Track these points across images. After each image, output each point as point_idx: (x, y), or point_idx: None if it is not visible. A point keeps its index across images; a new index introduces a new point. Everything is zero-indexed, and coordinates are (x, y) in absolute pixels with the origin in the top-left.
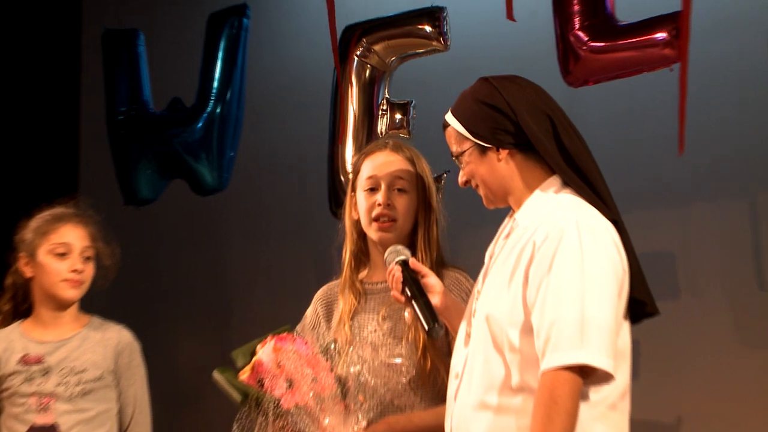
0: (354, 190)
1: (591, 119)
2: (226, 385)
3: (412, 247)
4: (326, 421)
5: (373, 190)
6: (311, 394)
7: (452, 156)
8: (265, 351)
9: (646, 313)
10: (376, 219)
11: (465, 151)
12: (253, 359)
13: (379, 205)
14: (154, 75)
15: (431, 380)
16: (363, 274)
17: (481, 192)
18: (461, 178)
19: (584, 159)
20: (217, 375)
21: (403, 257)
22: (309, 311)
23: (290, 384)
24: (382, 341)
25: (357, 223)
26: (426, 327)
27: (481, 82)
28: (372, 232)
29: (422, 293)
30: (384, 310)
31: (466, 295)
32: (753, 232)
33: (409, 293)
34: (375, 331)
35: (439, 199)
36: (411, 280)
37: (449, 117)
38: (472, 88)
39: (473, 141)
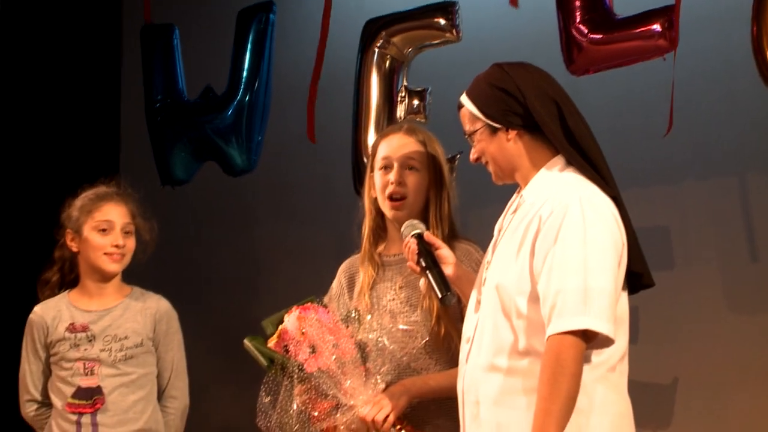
0: (372, 170)
1: (591, 105)
2: (254, 351)
3: (425, 222)
4: (347, 383)
5: (386, 169)
6: (333, 359)
7: (465, 135)
8: (290, 320)
9: (643, 284)
10: (390, 197)
11: (477, 131)
12: (279, 328)
13: (392, 183)
14: (188, 66)
15: (445, 345)
16: (381, 248)
17: (491, 168)
18: (473, 155)
19: (587, 140)
20: (247, 342)
21: (418, 231)
22: (334, 283)
23: (313, 350)
24: (400, 309)
25: (375, 201)
26: (439, 295)
27: (495, 67)
28: (386, 209)
29: (436, 264)
30: (401, 280)
31: (476, 266)
32: (742, 208)
33: (423, 264)
34: (393, 299)
35: (453, 178)
36: (425, 252)
37: (464, 98)
38: (486, 73)
39: (485, 121)
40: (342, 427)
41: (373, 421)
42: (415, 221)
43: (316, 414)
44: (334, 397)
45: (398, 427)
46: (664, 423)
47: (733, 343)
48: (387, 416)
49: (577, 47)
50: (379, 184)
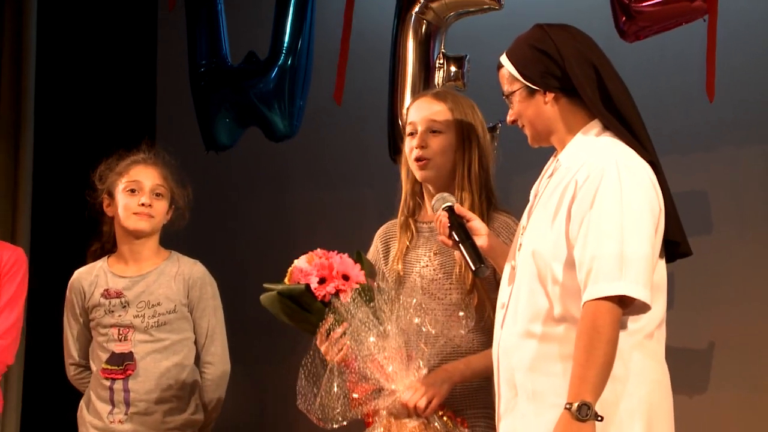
0: (405, 135)
1: (626, 68)
2: (271, 301)
3: (452, 184)
4: (389, 368)
5: (413, 134)
6: (351, 299)
7: (503, 95)
8: (299, 260)
9: (680, 253)
10: (416, 160)
11: (515, 92)
12: (289, 269)
13: (416, 147)
14: (232, 31)
15: (479, 314)
16: (419, 214)
17: (527, 131)
18: (509, 117)
19: (626, 105)
20: (263, 297)
21: (449, 203)
22: (371, 248)
23: (322, 280)
24: (433, 275)
25: (410, 167)
26: (473, 267)
27: (536, 28)
28: (415, 172)
29: (468, 236)
30: (435, 247)
31: (511, 235)
32: None
33: (456, 237)
34: (426, 266)
35: (494, 147)
36: (457, 224)
37: (503, 59)
38: (527, 34)
39: (523, 83)
40: (384, 412)
41: (415, 407)
42: (446, 194)
43: (356, 396)
44: (376, 381)
45: (440, 413)
46: (700, 388)
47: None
48: (429, 402)
49: (628, 14)
50: (407, 150)
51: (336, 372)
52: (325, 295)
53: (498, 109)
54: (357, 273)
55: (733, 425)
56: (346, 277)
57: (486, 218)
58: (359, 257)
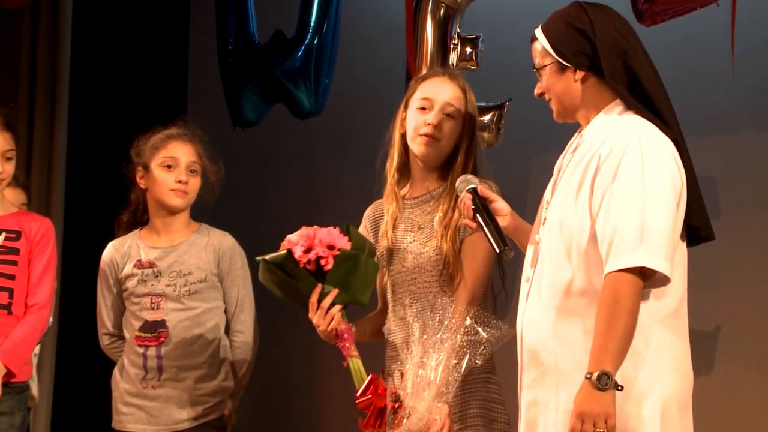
0: (406, 108)
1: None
2: (262, 273)
3: (450, 168)
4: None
5: (425, 110)
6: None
7: (534, 68)
8: (292, 234)
9: (701, 237)
10: (424, 134)
11: (546, 66)
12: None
13: (428, 124)
14: (259, 10)
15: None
16: (405, 190)
17: (553, 106)
18: (537, 90)
19: (654, 86)
20: (259, 274)
21: (473, 185)
22: (360, 227)
23: (308, 250)
24: (420, 249)
25: (403, 137)
26: (497, 250)
27: (575, 5)
28: (416, 146)
29: (492, 218)
30: (419, 221)
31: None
32: None
33: (480, 220)
34: (413, 241)
35: (501, 125)
36: (481, 206)
37: (538, 32)
38: (565, 10)
39: (555, 58)
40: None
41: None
42: (469, 176)
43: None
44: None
45: None
46: (705, 369)
47: None
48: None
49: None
50: (413, 123)
51: None
52: (308, 262)
53: (507, 88)
54: (344, 243)
55: (741, 405)
56: (331, 247)
57: None
58: (348, 230)
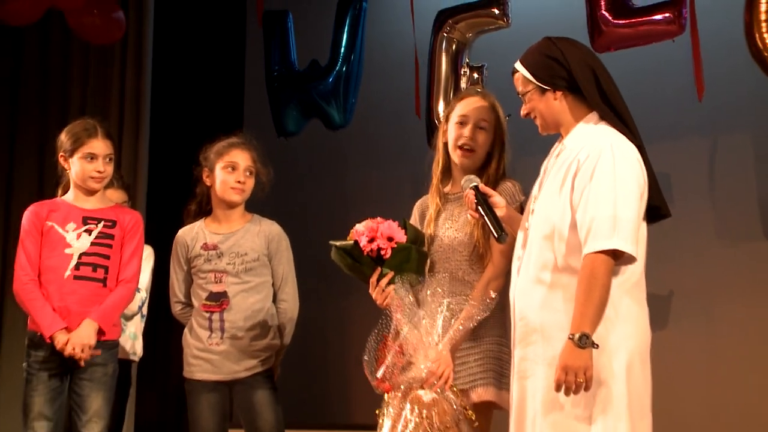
0: (447, 121)
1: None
2: (334, 253)
3: (485, 171)
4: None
5: (462, 124)
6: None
7: (519, 94)
8: (359, 224)
9: (661, 215)
10: (461, 147)
11: (529, 91)
12: (351, 231)
13: (465, 137)
14: (299, 43)
15: (483, 261)
16: (447, 187)
17: (538, 122)
18: (523, 111)
19: (617, 101)
20: (332, 252)
21: (475, 183)
22: (411, 218)
23: (372, 240)
24: (455, 235)
25: (445, 146)
26: (495, 235)
27: (546, 40)
28: (455, 157)
29: (491, 210)
30: (457, 213)
31: (509, 197)
32: (721, 159)
33: (481, 211)
34: (450, 228)
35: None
36: (482, 200)
37: (518, 65)
38: (538, 44)
39: (535, 83)
40: (402, 387)
41: (439, 378)
42: (472, 176)
43: (380, 375)
44: (408, 353)
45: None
46: (660, 326)
47: (721, 262)
48: (449, 375)
49: (599, 30)
50: (453, 135)
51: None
52: (370, 251)
53: (508, 106)
54: (400, 236)
55: (690, 355)
56: (390, 239)
57: (494, 186)
58: (404, 224)
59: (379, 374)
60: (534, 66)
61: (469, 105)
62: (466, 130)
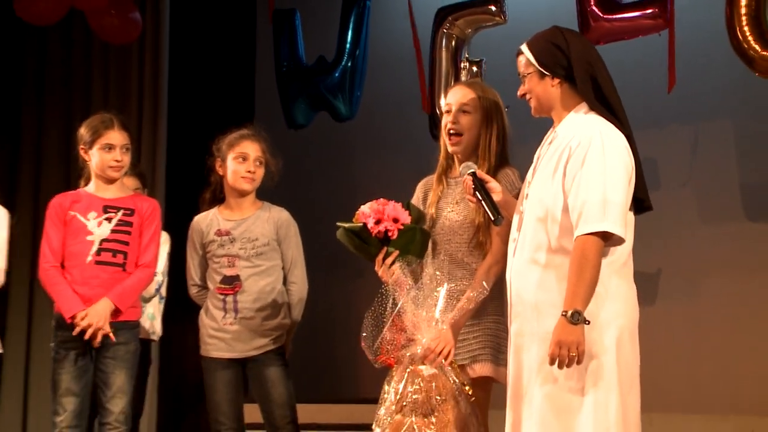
0: (442, 114)
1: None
2: (341, 234)
3: (475, 154)
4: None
5: (448, 112)
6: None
7: (519, 75)
8: (364, 206)
9: (644, 207)
10: (448, 133)
11: (529, 73)
12: (356, 212)
13: (449, 122)
14: (307, 40)
15: (482, 246)
16: (449, 172)
17: (532, 104)
18: (520, 91)
19: (611, 94)
20: (338, 232)
21: (472, 170)
22: (414, 196)
23: (378, 221)
24: (455, 218)
25: None
26: (492, 218)
27: (554, 28)
28: (448, 145)
29: (488, 195)
30: (458, 197)
31: (509, 183)
32: (704, 148)
33: (478, 196)
34: (451, 211)
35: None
36: (479, 186)
37: (524, 47)
38: (546, 31)
39: (537, 67)
40: (406, 360)
41: (438, 354)
42: (470, 163)
43: (389, 338)
44: (410, 331)
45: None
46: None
47: (704, 242)
48: (449, 352)
49: (588, 25)
50: (442, 124)
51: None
52: (378, 232)
53: (506, 98)
54: (405, 217)
55: (675, 330)
56: (396, 220)
57: (495, 173)
58: (409, 206)
59: (379, 350)
60: (538, 51)
61: (452, 94)
62: (451, 116)
